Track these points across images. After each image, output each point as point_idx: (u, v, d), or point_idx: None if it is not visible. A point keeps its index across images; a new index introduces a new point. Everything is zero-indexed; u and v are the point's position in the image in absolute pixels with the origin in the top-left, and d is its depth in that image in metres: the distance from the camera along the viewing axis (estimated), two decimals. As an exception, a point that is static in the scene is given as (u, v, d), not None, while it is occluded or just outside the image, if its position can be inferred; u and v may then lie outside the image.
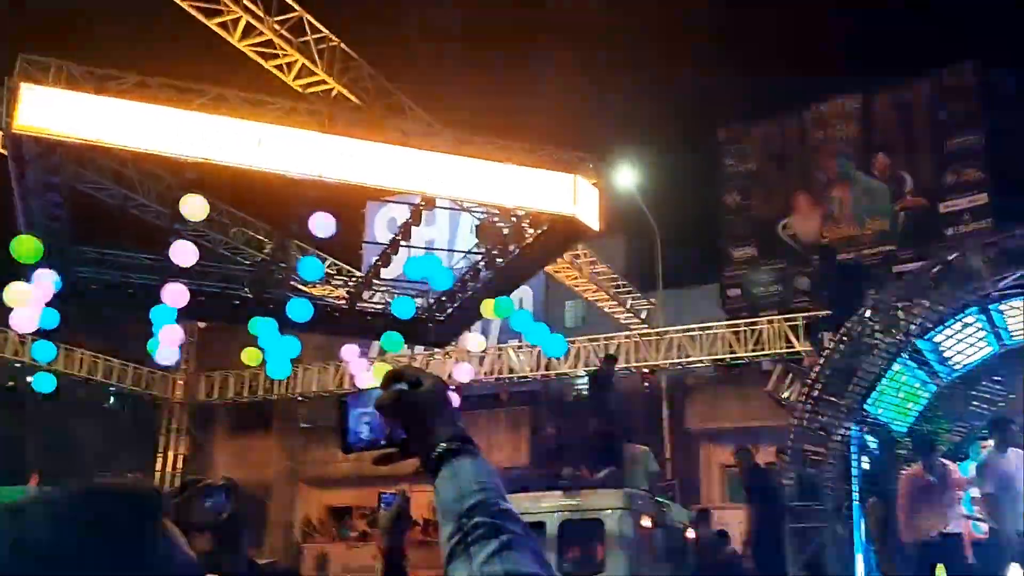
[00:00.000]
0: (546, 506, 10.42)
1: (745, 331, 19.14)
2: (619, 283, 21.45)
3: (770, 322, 19.06)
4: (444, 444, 1.32)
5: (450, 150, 12.72)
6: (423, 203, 13.64)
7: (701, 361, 19.64)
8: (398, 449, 1.39)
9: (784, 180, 22.29)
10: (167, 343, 13.94)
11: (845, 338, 10.66)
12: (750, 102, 21.87)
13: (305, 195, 13.09)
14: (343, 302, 16.57)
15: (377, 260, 15.41)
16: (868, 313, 10.61)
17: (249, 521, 2.23)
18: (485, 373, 20.91)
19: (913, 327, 10.47)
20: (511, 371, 20.78)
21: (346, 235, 20.10)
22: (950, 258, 10.40)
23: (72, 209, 13.70)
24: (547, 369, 20.46)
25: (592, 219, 13.51)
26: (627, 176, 19.90)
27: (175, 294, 13.38)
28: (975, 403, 11.86)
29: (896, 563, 9.28)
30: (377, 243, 17.90)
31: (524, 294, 23.14)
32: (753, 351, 18.86)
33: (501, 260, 14.77)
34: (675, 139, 22.87)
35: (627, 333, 20.55)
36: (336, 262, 17.56)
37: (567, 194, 13.10)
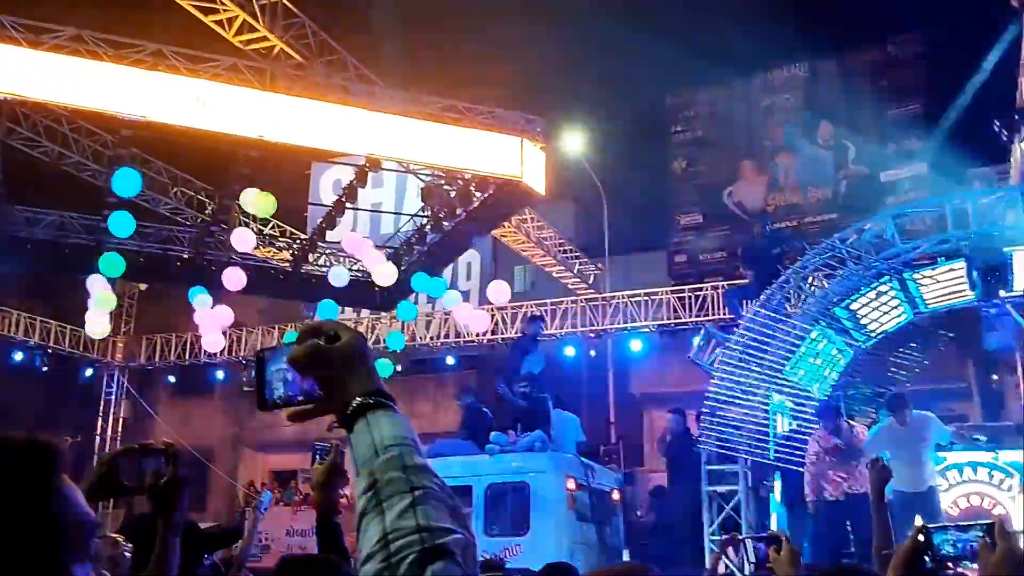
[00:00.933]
0: (474, 470, 10.49)
1: (690, 297, 19.29)
2: (567, 248, 21.48)
3: (715, 288, 19.22)
4: (359, 399, 1.28)
5: (395, 111, 12.57)
6: (368, 165, 13.48)
7: (647, 326, 19.78)
8: (314, 405, 1.35)
9: (730, 147, 22.42)
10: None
11: (763, 306, 10.85)
12: (698, 68, 21.86)
13: (247, 155, 12.87)
14: (287, 265, 16.37)
15: (322, 222, 15.23)
16: (785, 280, 10.79)
17: (191, 485, 2.17)
18: (432, 337, 20.86)
19: (829, 295, 10.68)
20: (458, 335, 20.75)
21: (291, 197, 19.87)
22: (865, 227, 10.60)
23: (4, 167, 13.32)
24: (494, 333, 20.46)
25: (539, 183, 13.49)
26: (575, 141, 19.87)
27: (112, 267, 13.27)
28: (893, 369, 12.24)
29: (807, 523, 9.52)
30: (322, 205, 17.67)
31: (472, 258, 23.13)
32: (697, 316, 19.03)
33: (448, 223, 14.68)
34: (623, 105, 22.81)
35: (574, 298, 20.61)
36: (280, 224, 17.31)
37: (514, 157, 13.05)
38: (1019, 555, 2.15)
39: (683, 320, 19.10)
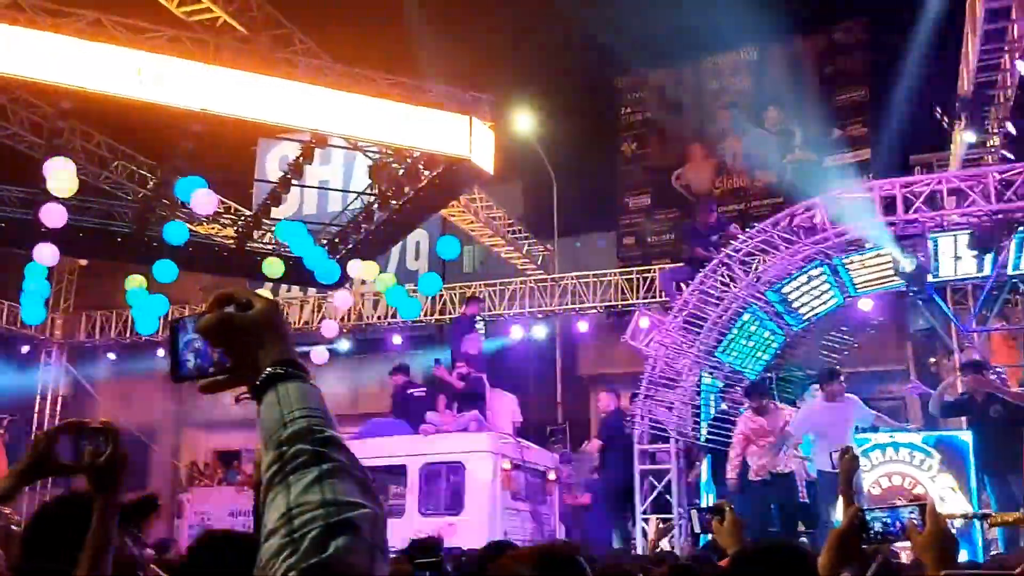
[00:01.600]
0: (408, 450, 10.50)
1: (638, 278, 19.42)
2: (516, 229, 21.47)
3: (662, 270, 19.37)
4: (269, 369, 1.25)
5: (342, 86, 12.41)
6: (314, 141, 13.30)
7: (595, 307, 19.88)
8: (226, 376, 1.31)
9: (679, 130, 22.53)
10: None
11: (697, 288, 11.00)
12: (648, 51, 21.91)
13: (190, 129, 12.63)
14: (232, 241, 16.13)
15: (267, 199, 15.03)
16: (719, 264, 10.94)
17: (131, 465, 2.13)
18: (379, 316, 20.76)
19: (761, 278, 10.85)
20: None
21: (236, 172, 19.58)
22: (797, 212, 10.78)
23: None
24: (442, 313, 20.42)
25: (487, 162, 13.43)
26: (524, 121, 19.82)
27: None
28: (825, 352, 12.52)
29: (734, 501, 9.69)
30: (268, 181, 17.42)
31: (420, 237, 23.00)
32: (645, 299, 19.17)
33: (395, 202, 14.57)
34: (573, 85, 22.79)
35: (523, 279, 20.63)
36: (225, 200, 17.02)
37: (463, 136, 12.97)
38: (948, 534, 2.23)
39: (631, 302, 19.23)
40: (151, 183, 15.98)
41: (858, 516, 2.43)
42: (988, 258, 10.35)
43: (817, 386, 10.91)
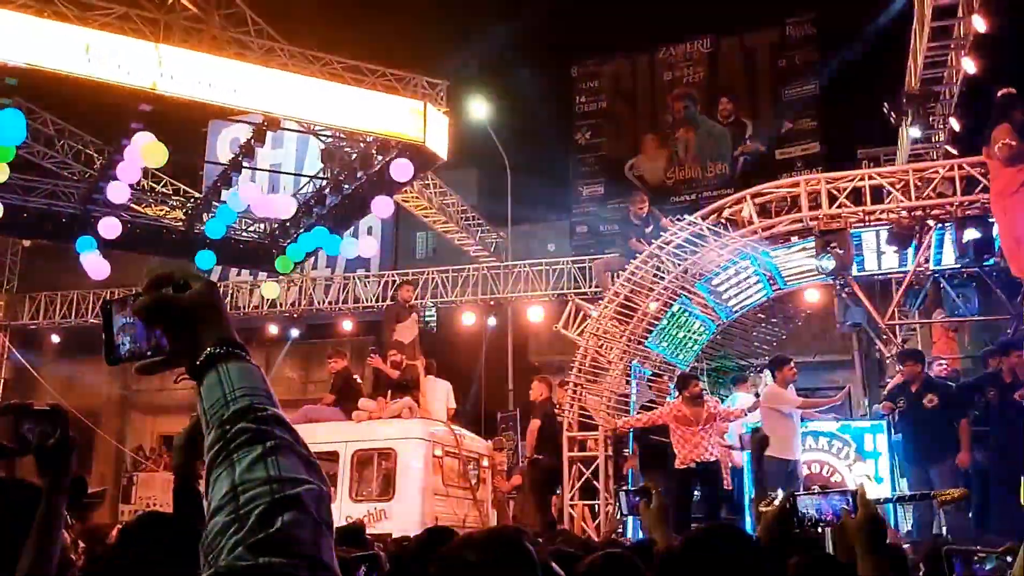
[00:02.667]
0: (340, 436, 10.50)
1: (590, 267, 19.51)
2: (469, 215, 21.44)
3: (595, 260, 19.46)
4: (209, 349, 1.23)
5: (296, 69, 12.30)
6: (266, 124, 13.16)
7: (547, 295, 19.93)
8: (164, 357, 1.28)
9: (633, 120, 22.67)
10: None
11: (628, 279, 11.16)
12: (603, 40, 22.02)
13: (139, 109, 12.42)
14: (179, 224, 15.91)
15: (217, 181, 14.83)
16: (650, 255, 11.09)
17: (77, 449, 2.10)
18: (330, 302, 20.62)
19: (691, 270, 11.03)
20: (356, 300, 20.57)
21: (186, 154, 19.27)
22: (725, 206, 10.96)
23: None
24: (394, 300, 20.32)
25: (441, 147, 13.40)
26: (479, 108, 19.78)
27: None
28: (756, 343, 12.90)
29: (662, 488, 9.88)
30: (218, 163, 17.19)
31: (373, 223, 22.87)
32: (597, 287, 19.27)
33: (348, 186, 14.48)
34: (529, 73, 22.80)
35: (476, 265, 20.62)
36: (173, 182, 16.78)
37: (417, 121, 12.92)
38: (878, 519, 2.31)
39: (583, 290, 19.32)
40: (98, 163, 15.69)
41: (790, 502, 2.52)
42: (909, 253, 10.63)
43: (739, 384, 11.64)
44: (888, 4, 15.84)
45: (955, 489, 6.84)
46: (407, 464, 10.24)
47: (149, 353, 1.29)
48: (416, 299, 20.06)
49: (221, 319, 1.28)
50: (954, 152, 12.55)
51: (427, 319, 21.17)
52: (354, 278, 21.11)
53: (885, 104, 14.34)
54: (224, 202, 14.88)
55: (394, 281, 20.17)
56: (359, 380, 12.09)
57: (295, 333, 21.07)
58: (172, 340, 1.27)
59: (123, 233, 14.90)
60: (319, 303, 20.61)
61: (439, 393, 11.93)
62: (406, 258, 24.11)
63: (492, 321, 20.57)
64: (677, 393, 10.00)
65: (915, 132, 13.84)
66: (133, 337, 1.30)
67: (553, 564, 2.34)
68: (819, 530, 2.52)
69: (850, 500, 2.37)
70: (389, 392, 11.21)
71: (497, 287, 19.91)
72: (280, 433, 1.16)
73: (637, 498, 3.34)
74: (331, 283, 20.93)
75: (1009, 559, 2.33)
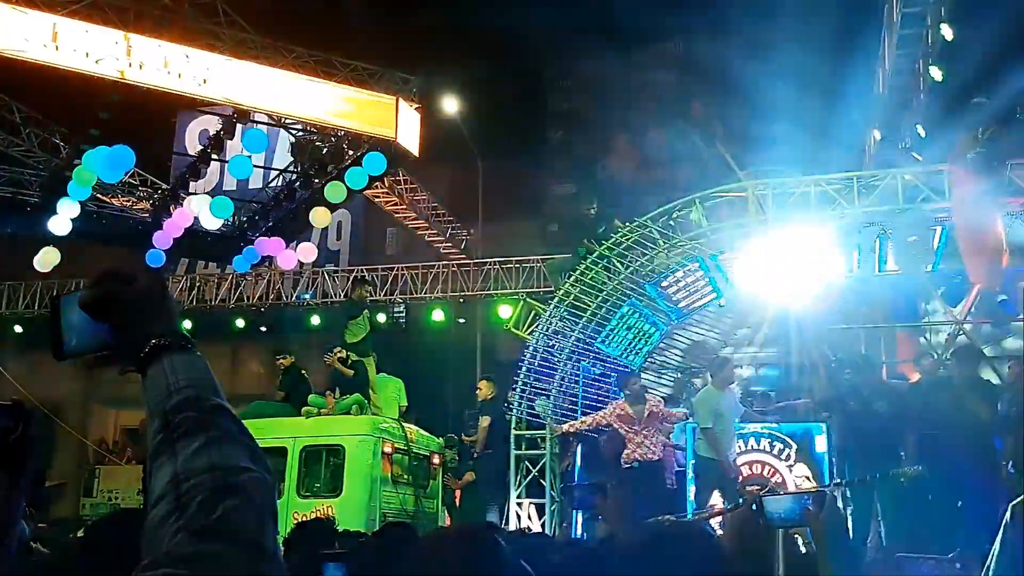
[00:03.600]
0: (289, 432, 10.48)
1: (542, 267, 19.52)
2: (440, 212, 21.39)
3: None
4: (154, 340, 1.24)
5: (267, 61, 12.22)
6: (236, 115, 13.06)
7: (517, 294, 19.94)
8: (112, 351, 1.29)
9: (605, 120, 22.72)
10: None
11: (578, 280, 11.27)
12: (577, 40, 22.02)
13: (106, 98, 12.28)
14: (147, 215, 15.75)
15: (185, 172, 14.70)
16: (600, 256, 11.19)
17: (38, 447, 2.06)
18: (298, 297, 20.49)
19: (640, 272, 11.13)
20: (325, 295, 20.46)
21: (155, 144, 19.06)
22: (675, 209, 11.09)
23: None
24: (348, 297, 20.23)
25: (412, 143, 13.38)
26: (452, 105, 19.72)
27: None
28: (708, 346, 13.01)
29: (607, 488, 10.07)
30: (186, 155, 17.05)
31: (343, 217, 22.78)
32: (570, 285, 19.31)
33: (318, 180, 14.40)
34: (502, 72, 22.77)
35: (445, 262, 20.59)
36: (141, 172, 16.60)
37: (389, 116, 12.88)
38: (841, 519, 2.34)
39: (552, 289, 19.36)
40: (64, 152, 15.49)
41: (756, 503, 2.54)
42: (854, 257, 10.81)
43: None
44: (858, 10, 16.01)
45: (912, 468, 6.96)
46: (355, 460, 10.26)
47: (91, 346, 1.29)
48: (385, 295, 20.06)
49: (166, 312, 1.29)
50: (919, 157, 12.72)
51: (396, 315, 21.11)
52: (323, 273, 21.00)
53: (854, 110, 14.51)
54: (193, 193, 14.76)
55: (362, 277, 20.10)
56: (306, 375, 12.14)
57: (262, 327, 20.91)
58: (118, 333, 1.28)
59: (89, 223, 14.76)
60: (287, 297, 20.47)
61: (390, 391, 11.98)
62: (375, 254, 24.00)
63: (461, 318, 20.54)
64: (623, 392, 10.12)
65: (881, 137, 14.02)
66: (80, 332, 1.30)
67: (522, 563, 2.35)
68: (787, 530, 2.54)
69: (816, 501, 2.41)
70: (338, 389, 11.26)
71: (467, 284, 19.88)
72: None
73: (591, 494, 3.37)
74: (300, 277, 20.80)
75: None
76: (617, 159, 22.49)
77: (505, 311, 19.84)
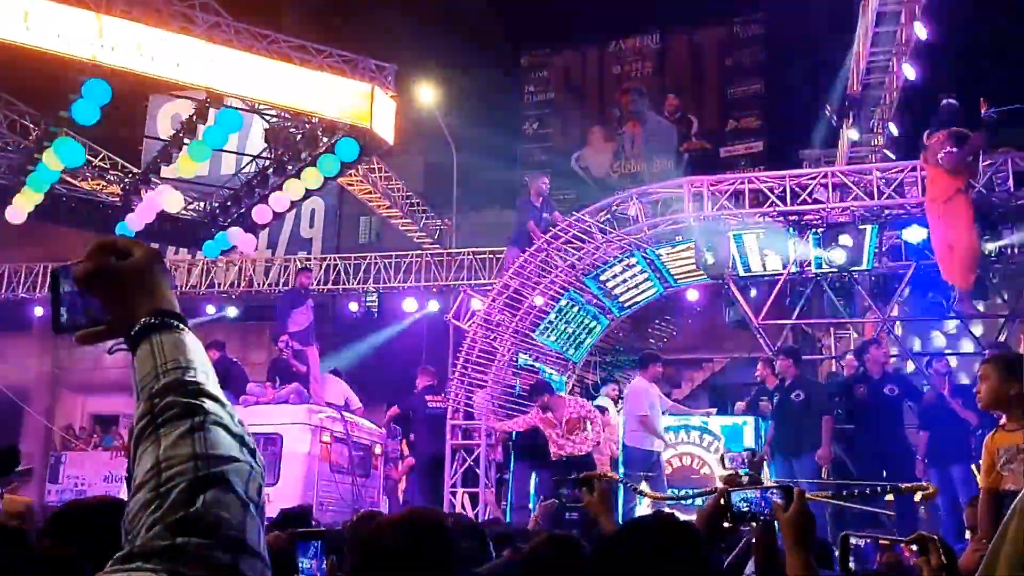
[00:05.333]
0: None
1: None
2: (414, 201, 21.33)
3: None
4: (144, 319, 1.21)
5: (242, 45, 12.08)
6: (209, 100, 12.91)
7: (490, 284, 19.92)
8: (104, 327, 1.26)
9: (581, 112, 22.75)
10: None
11: (516, 273, 11.36)
12: (554, 31, 22.02)
13: (79, 80, 12.09)
14: (117, 199, 15.56)
15: (157, 157, 14.53)
16: (539, 249, 11.29)
17: (3, 428, 2.03)
18: (271, 284, 20.36)
19: (578, 265, 11.23)
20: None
21: (126, 128, 18.84)
22: (613, 204, 11.19)
23: None
24: (334, 284, 20.18)
25: (388, 132, 13.28)
26: (428, 94, 19.66)
27: None
28: (651, 340, 13.10)
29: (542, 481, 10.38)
30: (158, 139, 16.86)
31: (316, 205, 22.67)
32: (542, 276, 19.32)
33: (292, 167, 14.28)
34: (479, 61, 22.73)
35: (419, 252, 20.54)
36: (111, 156, 16.40)
37: (364, 104, 12.78)
38: (810, 514, 2.37)
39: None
40: (34, 134, 15.25)
41: (724, 497, 2.57)
42: (791, 255, 10.96)
43: (609, 385, 12.03)
44: (834, 8, 16.10)
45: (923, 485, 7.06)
46: (292, 450, 10.28)
47: (83, 321, 1.27)
48: (358, 284, 19.98)
49: (161, 288, 1.26)
50: (891, 156, 12.85)
51: (368, 304, 21.05)
52: (295, 260, 20.89)
53: (827, 106, 14.62)
54: (165, 178, 14.59)
55: (335, 266, 20.03)
56: (239, 364, 12.22)
57: (232, 313, 20.76)
58: (109, 309, 1.25)
59: (58, 206, 14.57)
60: (259, 284, 20.34)
61: (334, 387, 12.07)
62: (349, 242, 23.90)
63: (434, 308, 20.51)
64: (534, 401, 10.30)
65: (854, 135, 14.14)
66: (73, 306, 1.27)
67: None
68: (753, 524, 2.58)
69: (783, 495, 2.44)
70: (277, 378, 11.25)
71: (440, 274, 19.85)
72: (211, 408, 1.14)
73: (576, 488, 3.41)
74: (272, 265, 20.68)
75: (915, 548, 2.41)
76: (592, 151, 22.53)
77: (478, 302, 19.86)
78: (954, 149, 9.62)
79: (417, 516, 2.30)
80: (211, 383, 1.18)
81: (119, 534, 1.09)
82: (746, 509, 2.56)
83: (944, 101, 10.15)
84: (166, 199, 14.35)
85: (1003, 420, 4.59)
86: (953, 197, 9.73)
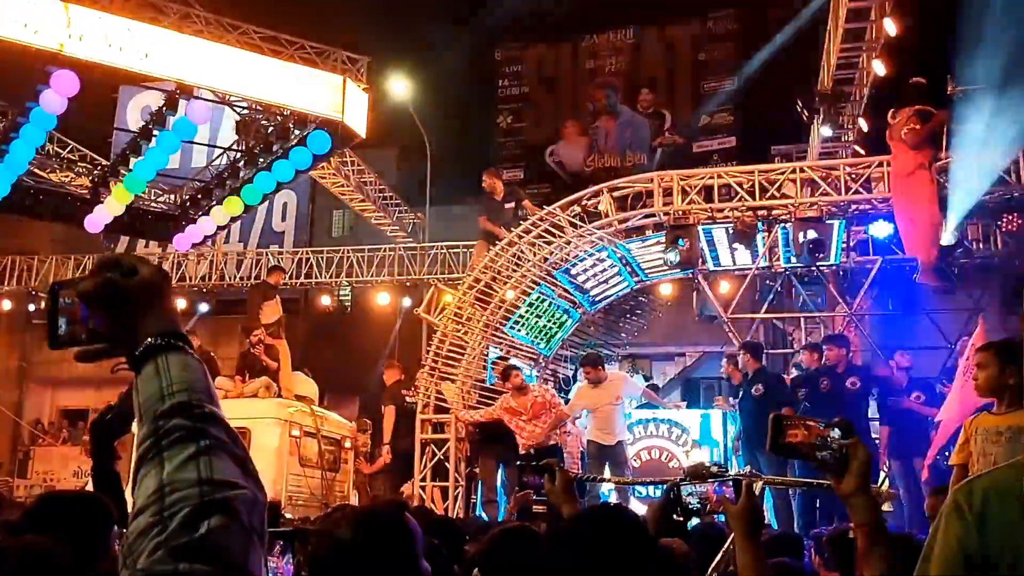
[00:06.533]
0: None
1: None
2: (387, 195, 21.26)
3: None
4: (150, 339, 1.19)
5: (212, 36, 11.97)
6: (179, 91, 12.79)
7: (462, 277, 19.90)
8: (105, 344, 1.24)
9: (554, 107, 22.76)
10: None
11: (488, 266, 11.42)
12: (528, 25, 22.00)
13: (46, 70, 11.94)
14: (85, 191, 15.40)
15: (126, 149, 14.38)
16: (509, 243, 11.35)
17: None
18: (242, 277, 20.24)
19: (548, 259, 11.28)
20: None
21: (94, 119, 18.64)
22: (584, 198, 11.25)
23: None
24: (307, 277, 20.09)
25: (360, 125, 13.22)
26: (401, 87, 19.58)
27: None
28: (623, 334, 13.50)
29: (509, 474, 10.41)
30: (128, 131, 16.69)
31: (288, 199, 22.55)
32: (515, 269, 19.32)
33: (263, 159, 14.18)
34: (453, 55, 22.66)
35: (392, 246, 20.48)
36: (80, 148, 16.21)
37: (335, 96, 12.71)
38: (759, 508, 2.40)
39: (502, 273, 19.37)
40: (1, 125, 15.05)
41: (673, 492, 2.59)
42: (760, 250, 11.06)
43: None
44: (806, 4, 16.20)
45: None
46: (261, 444, 10.25)
47: (84, 337, 1.24)
48: (331, 278, 19.90)
49: (166, 308, 1.24)
50: (862, 152, 12.95)
51: (342, 298, 20.96)
52: (267, 254, 20.77)
53: (798, 102, 14.71)
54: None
55: (308, 260, 19.94)
56: (214, 357, 12.19)
57: (204, 308, 20.61)
58: (112, 326, 1.23)
59: (25, 198, 14.40)
60: (230, 278, 20.21)
61: (303, 384, 12.07)
62: (321, 236, 23.80)
63: (407, 302, 20.46)
64: (507, 385, 10.33)
65: (826, 131, 14.23)
66: (72, 320, 1.25)
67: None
68: (703, 517, 2.60)
69: (735, 489, 2.45)
70: (247, 372, 11.21)
71: (413, 268, 19.81)
72: (216, 433, 1.13)
73: (538, 475, 3.42)
74: (243, 258, 20.55)
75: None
76: (566, 145, 22.54)
77: (448, 296, 19.83)
78: (917, 126, 9.78)
79: (377, 509, 2.29)
80: (216, 407, 1.17)
81: (96, 528, 1.08)
82: (696, 504, 2.59)
83: (911, 80, 10.33)
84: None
85: (995, 407, 4.70)
86: (915, 172, 9.87)
